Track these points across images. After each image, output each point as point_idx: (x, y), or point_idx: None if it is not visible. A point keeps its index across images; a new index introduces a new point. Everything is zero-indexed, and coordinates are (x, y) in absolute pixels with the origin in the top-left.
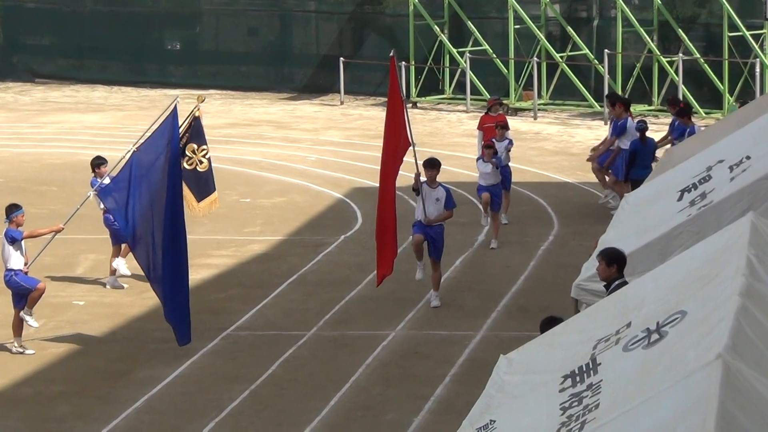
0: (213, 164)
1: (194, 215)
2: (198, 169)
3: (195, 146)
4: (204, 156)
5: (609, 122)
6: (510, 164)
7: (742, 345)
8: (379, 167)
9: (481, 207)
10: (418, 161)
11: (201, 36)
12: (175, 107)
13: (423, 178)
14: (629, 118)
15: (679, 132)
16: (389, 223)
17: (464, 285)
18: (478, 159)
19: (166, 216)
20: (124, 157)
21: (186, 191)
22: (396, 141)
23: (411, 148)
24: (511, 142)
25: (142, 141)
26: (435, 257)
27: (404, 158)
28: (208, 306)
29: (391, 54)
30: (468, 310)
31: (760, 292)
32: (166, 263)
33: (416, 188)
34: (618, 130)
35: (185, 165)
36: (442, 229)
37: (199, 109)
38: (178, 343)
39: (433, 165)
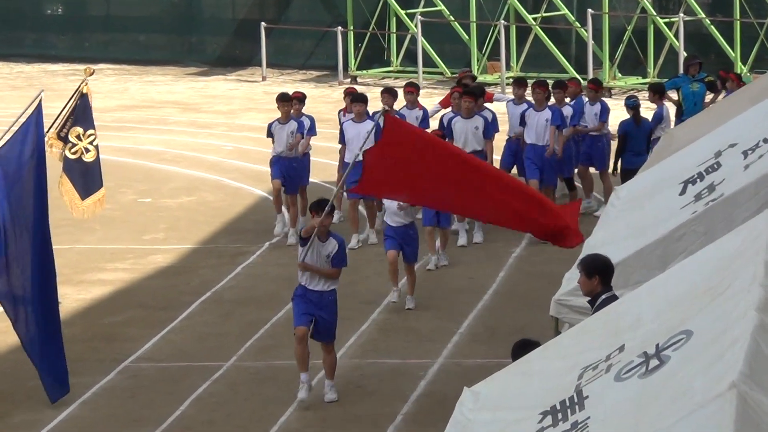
0: (103, 156)
1: (76, 216)
2: (84, 159)
3: (81, 131)
4: (91, 143)
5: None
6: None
7: (760, 371)
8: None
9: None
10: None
11: None
12: (40, 103)
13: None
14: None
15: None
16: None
17: (418, 302)
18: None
19: (33, 234)
20: None
21: (68, 186)
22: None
23: None
24: None
25: (3, 143)
26: (324, 339)
27: None
28: (101, 332)
29: None
30: (423, 333)
31: None
32: (36, 294)
33: (307, 236)
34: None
35: (68, 153)
36: (335, 303)
37: (86, 84)
38: (50, 399)
39: (328, 211)
